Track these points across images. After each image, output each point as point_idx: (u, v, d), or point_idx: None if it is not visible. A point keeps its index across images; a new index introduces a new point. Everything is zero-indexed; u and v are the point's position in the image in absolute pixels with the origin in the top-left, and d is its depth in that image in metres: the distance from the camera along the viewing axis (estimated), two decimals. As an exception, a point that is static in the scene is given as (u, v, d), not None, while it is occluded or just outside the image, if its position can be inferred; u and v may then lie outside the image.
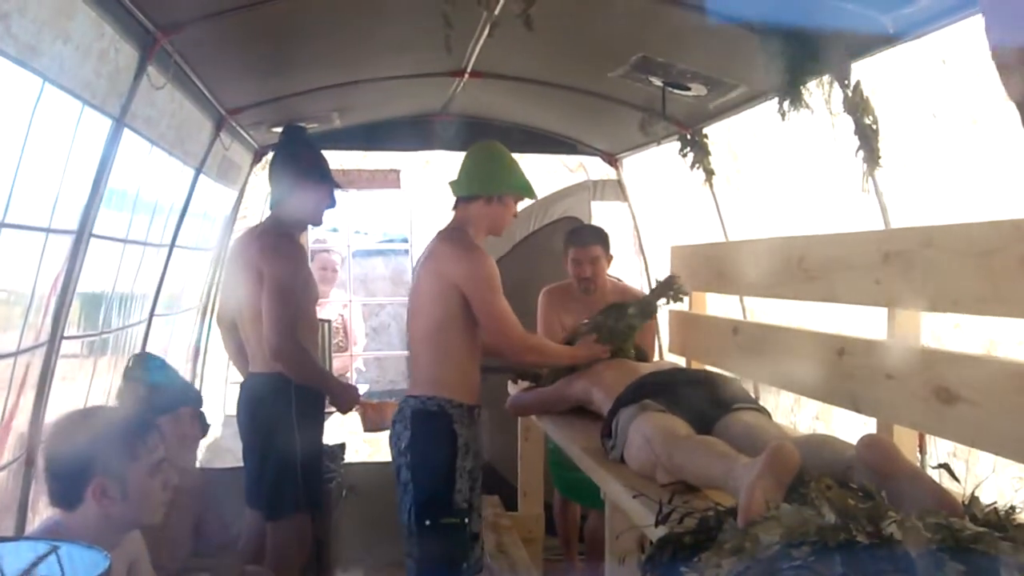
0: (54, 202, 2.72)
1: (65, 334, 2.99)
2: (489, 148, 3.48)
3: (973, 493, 1.76)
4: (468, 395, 3.32)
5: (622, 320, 3.63)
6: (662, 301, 3.81)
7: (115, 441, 2.18)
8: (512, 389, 4.01)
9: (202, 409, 3.50)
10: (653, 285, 4.06)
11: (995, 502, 1.74)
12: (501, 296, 3.26)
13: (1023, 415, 2.03)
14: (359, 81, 4.53)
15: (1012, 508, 1.72)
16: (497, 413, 3.98)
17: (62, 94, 2.55)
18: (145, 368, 3.36)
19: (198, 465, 5.48)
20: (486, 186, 3.37)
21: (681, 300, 3.82)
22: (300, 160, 3.80)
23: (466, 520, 3.26)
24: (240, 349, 3.92)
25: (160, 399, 3.20)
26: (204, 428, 3.46)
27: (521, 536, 4.44)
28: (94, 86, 2.73)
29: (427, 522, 3.21)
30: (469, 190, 3.39)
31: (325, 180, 3.83)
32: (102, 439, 2.19)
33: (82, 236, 2.92)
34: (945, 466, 1.98)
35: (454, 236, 3.36)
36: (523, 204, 3.66)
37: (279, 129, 4.38)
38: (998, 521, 1.66)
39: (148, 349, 4.12)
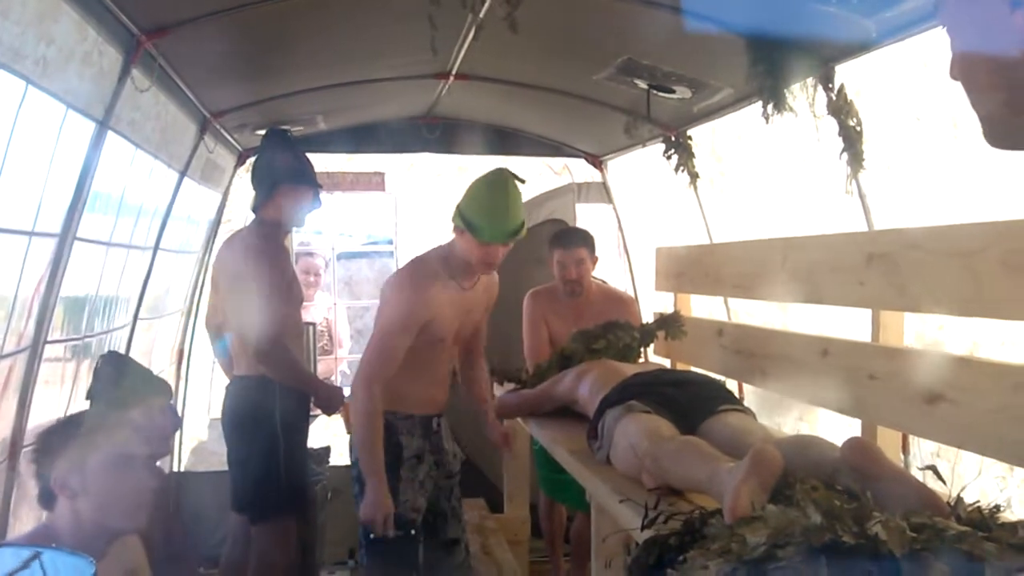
0: (38, 205, 2.71)
1: (48, 338, 2.97)
2: (483, 178, 3.28)
3: (959, 494, 1.77)
4: (418, 406, 3.30)
5: (622, 340, 3.68)
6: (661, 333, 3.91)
7: (74, 435, 2.19)
8: (498, 391, 4.01)
9: (172, 403, 3.47)
10: (652, 316, 4.12)
11: (978, 502, 1.76)
12: (389, 333, 3.17)
13: (1006, 415, 2.05)
14: (344, 84, 4.52)
15: (996, 508, 1.73)
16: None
17: (46, 97, 2.53)
18: (114, 366, 3.34)
19: (182, 468, 5.49)
20: (455, 214, 3.25)
21: (679, 338, 3.87)
22: (280, 163, 3.80)
23: (412, 531, 3.23)
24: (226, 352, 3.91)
25: (130, 394, 3.18)
26: (176, 422, 3.43)
27: (507, 538, 4.45)
28: (78, 89, 2.71)
29: (371, 534, 3.15)
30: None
31: (306, 182, 3.83)
32: (62, 434, 2.21)
33: (65, 239, 2.90)
34: (932, 467, 2.00)
35: (417, 257, 3.36)
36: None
37: (263, 132, 4.37)
38: (982, 521, 1.67)
39: (132, 352, 4.10)
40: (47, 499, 2.19)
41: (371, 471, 3.14)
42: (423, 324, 3.18)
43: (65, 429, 2.26)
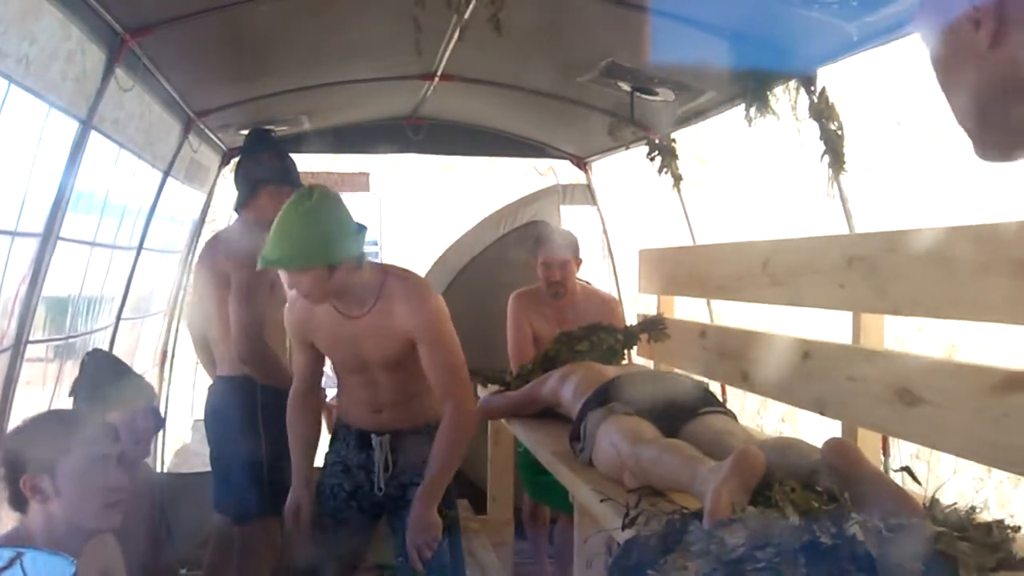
0: (20, 205, 2.70)
1: (30, 338, 2.96)
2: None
3: (934, 495, 1.79)
4: (350, 419, 3.28)
5: (606, 342, 3.69)
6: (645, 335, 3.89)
7: (42, 435, 2.18)
8: (482, 393, 4.02)
9: (155, 404, 3.46)
10: (636, 318, 4.14)
11: (955, 503, 1.78)
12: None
13: (983, 417, 2.07)
14: (329, 84, 4.53)
15: (972, 508, 1.75)
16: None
17: (28, 96, 2.53)
18: (98, 365, 3.33)
19: (166, 470, 5.47)
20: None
21: (662, 340, 3.87)
22: (263, 163, 3.80)
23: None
24: (209, 353, 3.90)
25: (112, 395, 3.17)
26: (158, 423, 3.42)
27: (491, 540, 4.45)
28: (61, 88, 2.71)
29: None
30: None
31: (288, 182, 3.83)
32: (30, 435, 2.20)
33: (48, 239, 2.89)
34: (907, 469, 2.02)
35: None
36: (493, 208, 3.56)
37: (247, 132, 4.37)
38: (958, 521, 1.69)
39: (115, 353, 4.09)
40: (19, 502, 2.18)
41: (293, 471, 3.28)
42: (310, 342, 3.18)
43: (31, 431, 2.24)
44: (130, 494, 2.32)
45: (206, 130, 4.65)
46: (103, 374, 3.26)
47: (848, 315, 2.73)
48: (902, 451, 2.83)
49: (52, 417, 2.31)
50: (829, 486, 1.88)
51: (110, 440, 2.28)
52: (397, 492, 3.20)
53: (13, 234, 2.70)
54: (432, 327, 3.01)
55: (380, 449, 3.22)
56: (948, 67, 0.98)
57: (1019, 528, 1.68)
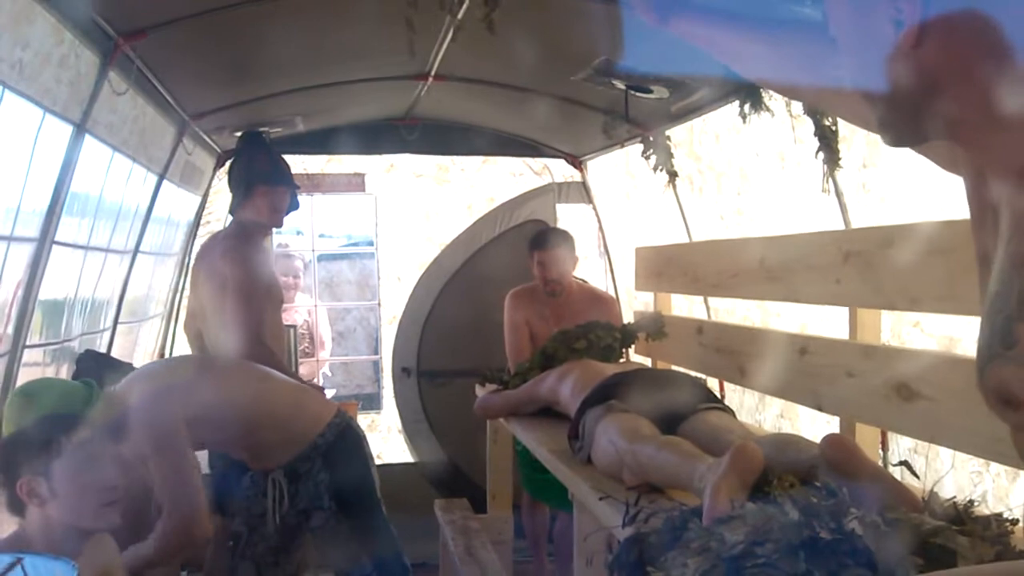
0: (16, 209, 2.70)
1: (27, 342, 2.96)
2: None
3: (932, 489, 1.79)
4: None
5: (603, 340, 3.69)
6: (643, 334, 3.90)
7: (37, 439, 2.18)
8: (480, 391, 4.02)
9: None
10: (633, 315, 4.13)
11: (954, 497, 1.78)
12: None
13: (980, 410, 2.06)
14: (322, 85, 4.52)
15: (970, 502, 1.75)
16: (465, 416, 3.98)
17: (22, 101, 2.52)
18: (92, 363, 3.32)
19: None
20: None
21: (660, 340, 3.87)
22: (257, 164, 3.80)
23: None
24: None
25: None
26: None
27: (490, 538, 4.44)
28: (55, 93, 2.70)
29: None
30: None
31: (282, 183, 3.83)
32: (25, 439, 2.20)
33: (44, 243, 2.89)
34: (905, 463, 2.02)
35: None
36: (488, 207, 3.58)
37: (241, 134, 4.37)
38: (956, 515, 1.69)
39: (112, 356, 4.08)
40: (17, 507, 2.19)
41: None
42: None
43: (25, 435, 2.25)
44: (127, 493, 2.32)
45: (201, 133, 4.65)
46: (98, 371, 3.25)
47: (844, 311, 2.74)
48: (900, 446, 2.83)
49: (45, 420, 2.30)
50: (827, 481, 1.88)
51: (103, 440, 2.28)
52: None
53: (9, 239, 2.70)
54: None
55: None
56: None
57: (1017, 521, 1.69)
